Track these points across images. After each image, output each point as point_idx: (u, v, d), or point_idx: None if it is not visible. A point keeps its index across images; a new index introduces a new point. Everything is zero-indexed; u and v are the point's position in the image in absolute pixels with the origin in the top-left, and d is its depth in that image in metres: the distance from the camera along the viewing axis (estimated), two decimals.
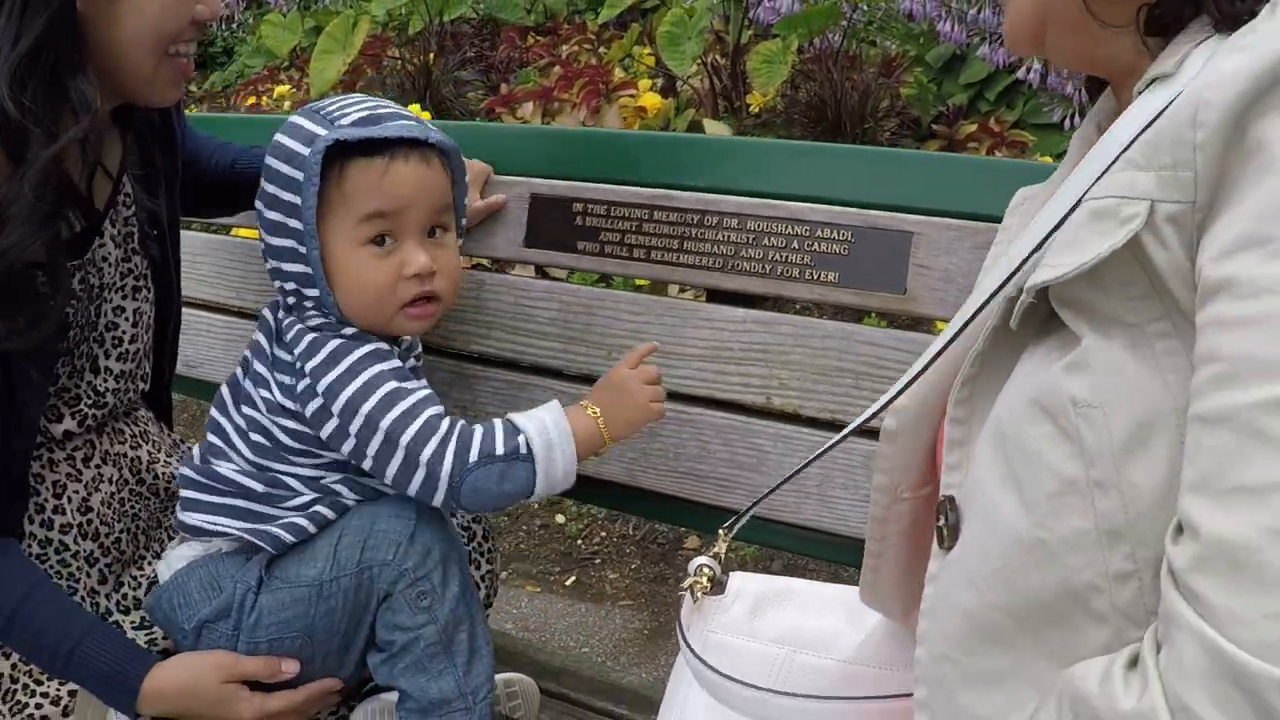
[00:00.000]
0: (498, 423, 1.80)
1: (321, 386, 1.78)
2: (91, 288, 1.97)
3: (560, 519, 4.58)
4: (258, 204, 1.87)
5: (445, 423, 1.78)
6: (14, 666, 1.95)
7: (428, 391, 1.81)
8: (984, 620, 1.04)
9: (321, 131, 1.80)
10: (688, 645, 1.50)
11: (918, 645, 1.13)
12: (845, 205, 1.98)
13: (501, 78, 6.25)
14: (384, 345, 1.83)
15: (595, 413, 1.83)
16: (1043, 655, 1.01)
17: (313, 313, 1.86)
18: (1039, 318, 1.06)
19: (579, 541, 4.46)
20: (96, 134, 1.83)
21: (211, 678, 1.83)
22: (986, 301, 1.12)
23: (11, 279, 1.74)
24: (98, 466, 2.06)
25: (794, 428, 1.99)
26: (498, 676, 2.00)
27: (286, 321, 1.86)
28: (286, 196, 1.81)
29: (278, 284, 1.88)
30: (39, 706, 1.96)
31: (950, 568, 1.11)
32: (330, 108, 1.85)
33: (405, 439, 1.75)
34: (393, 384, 1.78)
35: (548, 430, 1.79)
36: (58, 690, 1.97)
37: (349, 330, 1.83)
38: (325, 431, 1.79)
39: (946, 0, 5.59)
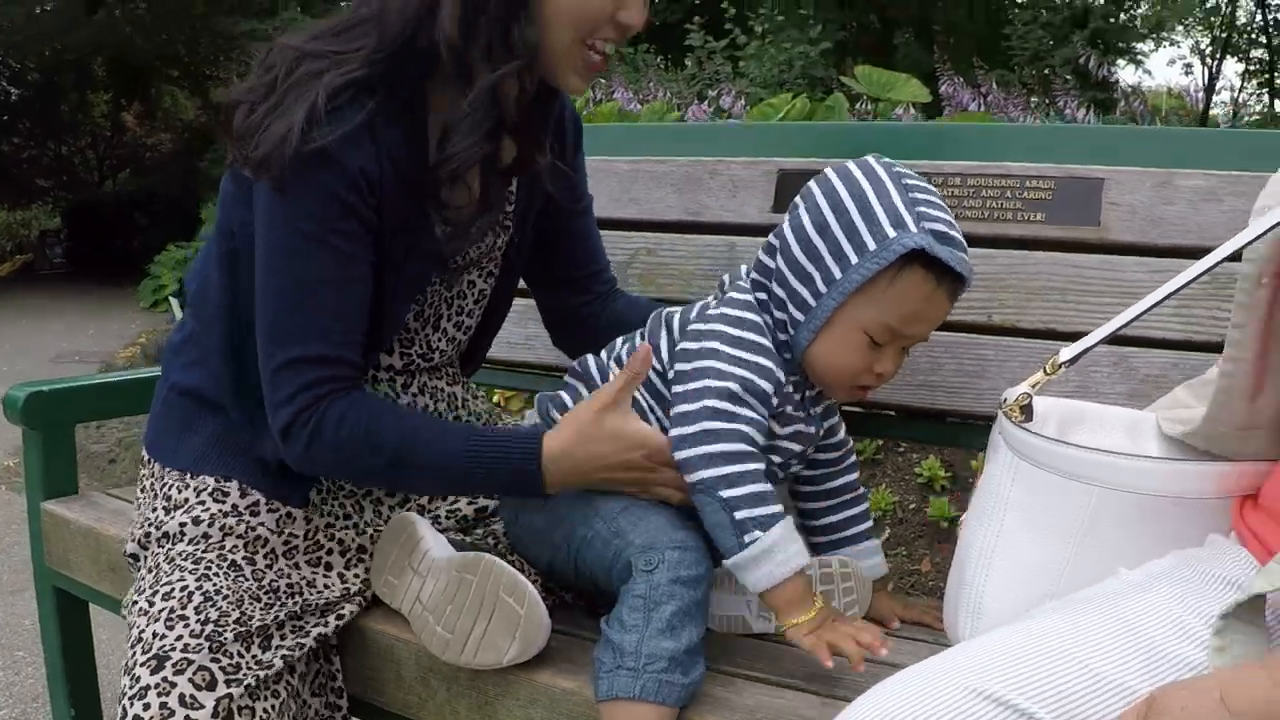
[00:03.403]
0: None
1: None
2: (467, 259, 2.29)
3: None
4: (800, 213, 2.03)
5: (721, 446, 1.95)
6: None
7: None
8: None
9: (911, 224, 1.93)
10: (1020, 427, 1.75)
11: None
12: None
13: None
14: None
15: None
16: None
17: (771, 328, 2.06)
18: None
19: None
20: (534, 81, 2.06)
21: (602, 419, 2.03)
22: None
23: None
24: (414, 395, 2.34)
25: (1013, 339, 2.46)
26: (833, 556, 2.20)
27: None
28: (842, 241, 1.96)
29: (755, 276, 2.10)
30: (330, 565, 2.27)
31: None
32: (918, 194, 1.98)
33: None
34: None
35: None
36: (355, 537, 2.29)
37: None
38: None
39: None
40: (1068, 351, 1.81)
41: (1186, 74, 33.09)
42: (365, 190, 1.99)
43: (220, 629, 2.02)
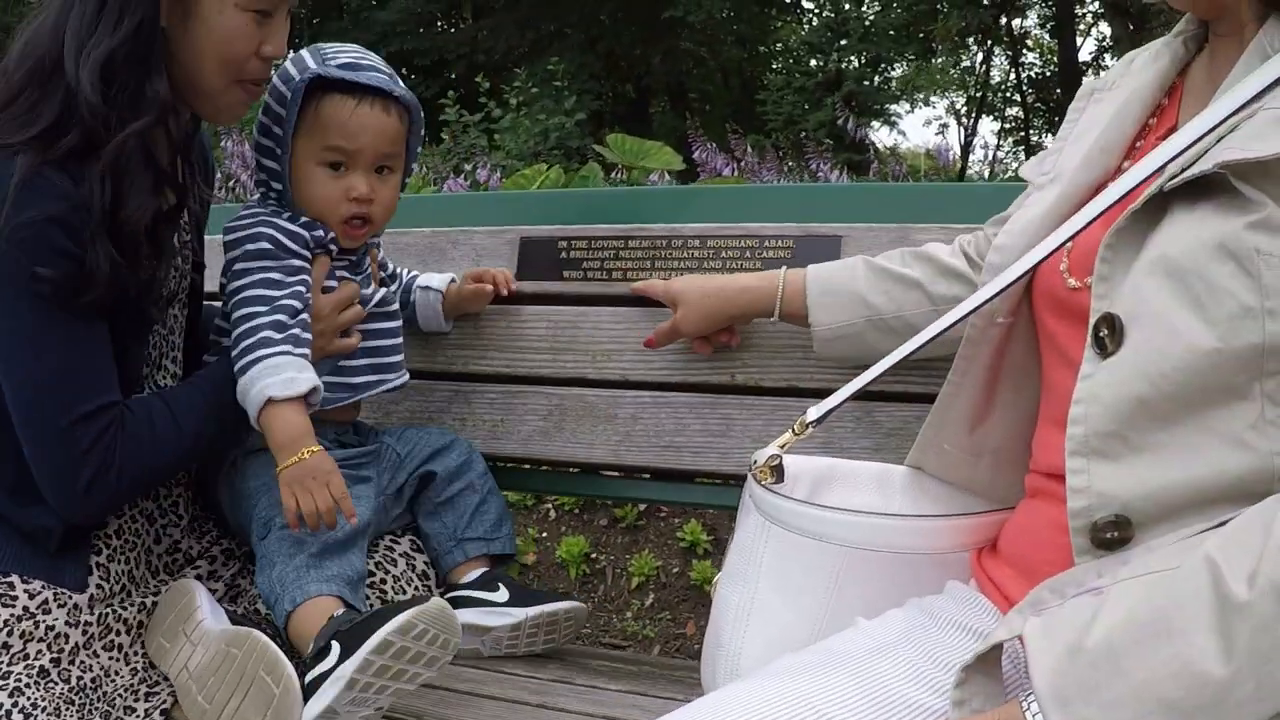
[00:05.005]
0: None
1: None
2: (169, 294, 2.36)
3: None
4: (261, 116, 2.38)
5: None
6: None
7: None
8: (1155, 405, 1.36)
9: (312, 65, 2.31)
10: (770, 490, 1.82)
11: (1072, 426, 1.44)
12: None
13: None
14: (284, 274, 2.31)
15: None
16: (1196, 428, 1.38)
17: (274, 204, 2.39)
18: (1195, 187, 1.39)
19: None
20: (181, 128, 2.22)
21: None
22: (1150, 177, 1.50)
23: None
24: None
25: (756, 398, 2.52)
26: (557, 606, 2.45)
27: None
28: (276, 108, 2.33)
29: (259, 176, 2.43)
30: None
31: (1112, 366, 1.44)
32: (328, 49, 2.38)
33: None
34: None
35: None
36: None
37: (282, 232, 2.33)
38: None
39: None
40: (815, 411, 1.89)
41: (940, 134, 33.90)
42: (78, 249, 2.03)
43: None
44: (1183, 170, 1.41)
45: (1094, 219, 1.57)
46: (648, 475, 2.71)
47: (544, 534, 4.84)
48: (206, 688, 2.08)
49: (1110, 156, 1.72)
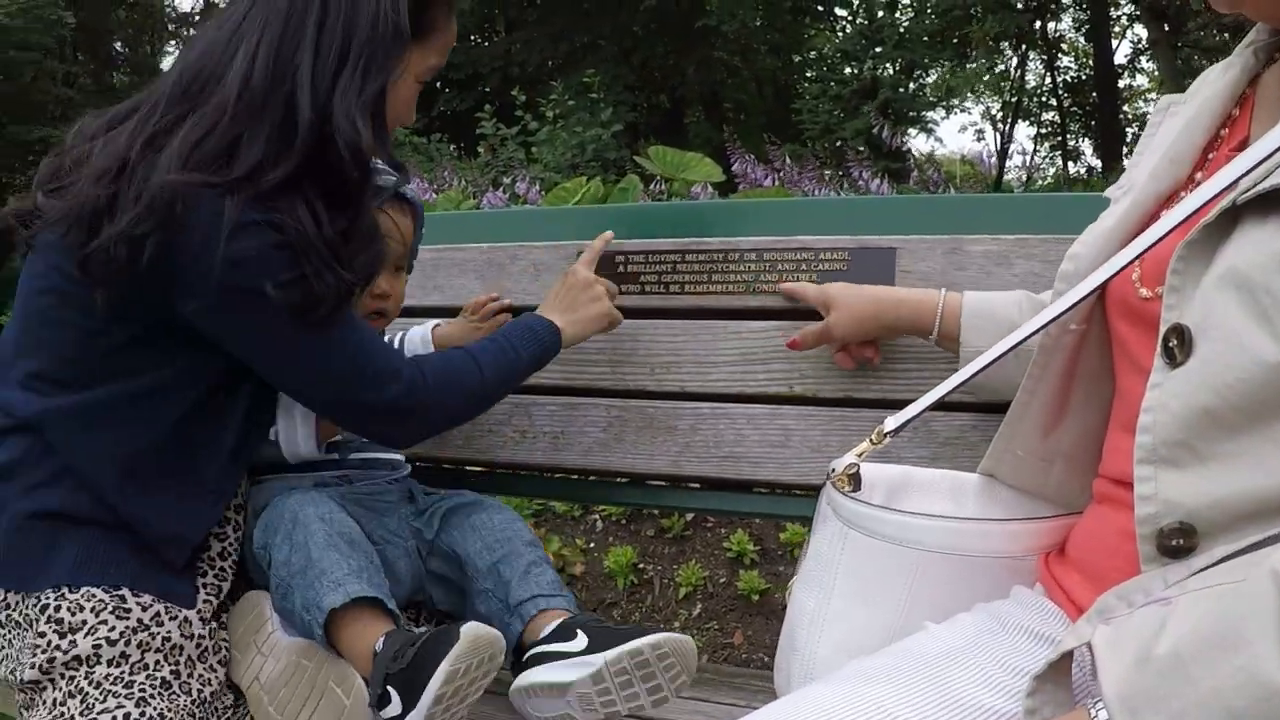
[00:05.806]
0: None
1: None
2: None
3: None
4: None
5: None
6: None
7: None
8: (1222, 416, 1.42)
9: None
10: (850, 497, 1.87)
11: (1141, 434, 1.50)
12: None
13: None
14: None
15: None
16: (1262, 439, 1.40)
17: None
18: (1266, 200, 1.40)
19: None
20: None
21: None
22: (1223, 190, 1.50)
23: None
24: None
25: (814, 408, 2.57)
26: (640, 642, 2.08)
27: None
28: None
29: None
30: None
31: (1180, 377, 1.47)
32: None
33: None
34: None
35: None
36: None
37: None
38: None
39: None
40: (893, 421, 1.90)
41: (979, 140, 33.75)
42: (301, 272, 2.05)
43: None
44: (1255, 184, 1.42)
45: (1167, 233, 1.58)
46: (697, 485, 2.76)
47: (591, 544, 4.89)
48: (278, 699, 2.13)
49: (1180, 167, 1.74)
